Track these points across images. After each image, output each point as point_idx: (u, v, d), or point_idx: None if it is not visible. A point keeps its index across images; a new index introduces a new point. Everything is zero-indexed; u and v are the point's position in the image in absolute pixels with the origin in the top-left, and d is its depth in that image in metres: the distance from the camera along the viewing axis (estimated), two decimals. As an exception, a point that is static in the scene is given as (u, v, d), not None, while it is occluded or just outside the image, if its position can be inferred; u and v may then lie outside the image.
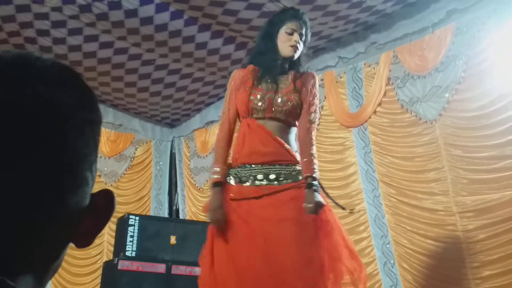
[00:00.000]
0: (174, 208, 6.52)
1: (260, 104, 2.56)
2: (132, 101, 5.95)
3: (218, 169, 2.57)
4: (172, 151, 6.74)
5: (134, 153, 6.41)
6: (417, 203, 4.05)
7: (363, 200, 4.46)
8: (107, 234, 5.73)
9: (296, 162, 2.56)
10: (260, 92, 2.57)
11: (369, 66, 4.61)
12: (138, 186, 6.28)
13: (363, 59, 4.67)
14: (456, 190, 3.82)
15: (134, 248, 4.36)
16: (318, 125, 4.91)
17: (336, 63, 4.89)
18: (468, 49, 3.90)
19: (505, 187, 3.54)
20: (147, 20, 4.46)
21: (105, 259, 5.46)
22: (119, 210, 5.77)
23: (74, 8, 4.29)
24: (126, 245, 4.35)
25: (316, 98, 2.68)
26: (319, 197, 2.43)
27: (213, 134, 6.12)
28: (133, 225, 4.43)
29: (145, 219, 4.71)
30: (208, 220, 2.56)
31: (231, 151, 2.65)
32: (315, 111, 2.65)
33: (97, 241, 5.72)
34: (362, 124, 4.57)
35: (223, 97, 5.81)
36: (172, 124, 6.72)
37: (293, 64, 2.69)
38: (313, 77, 2.72)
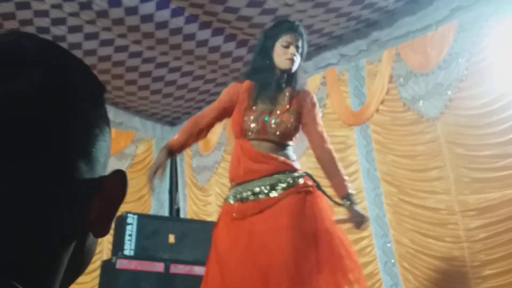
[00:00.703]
0: (175, 207, 6.50)
1: (253, 125, 2.53)
2: (132, 99, 5.93)
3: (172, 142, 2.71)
4: (173, 150, 6.72)
5: (135, 152, 6.39)
6: (419, 202, 4.02)
7: (364, 198, 4.42)
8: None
9: (294, 170, 2.53)
10: (254, 114, 2.55)
11: (371, 63, 4.57)
12: (138, 185, 6.26)
13: (365, 56, 4.63)
14: (458, 189, 3.79)
15: (133, 247, 4.34)
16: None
17: (338, 61, 4.86)
18: (471, 47, 3.86)
19: (507, 186, 3.50)
20: (148, 18, 4.44)
21: (105, 258, 5.44)
22: (120, 208, 5.73)
23: (74, 5, 4.28)
24: (125, 243, 4.32)
25: (319, 115, 2.69)
26: (361, 211, 2.52)
27: (214, 133, 6.10)
28: (132, 224, 4.41)
29: (143, 218, 4.69)
30: None
31: (229, 172, 2.65)
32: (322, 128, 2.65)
33: (97, 239, 5.71)
34: (364, 123, 4.53)
35: (225, 95, 5.87)
36: (173, 122, 6.70)
37: (290, 78, 2.64)
38: (310, 96, 2.68)
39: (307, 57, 5.01)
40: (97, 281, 5.14)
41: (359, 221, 2.45)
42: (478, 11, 3.85)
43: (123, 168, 5.53)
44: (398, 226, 4.14)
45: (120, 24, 4.53)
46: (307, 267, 2.27)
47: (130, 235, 4.37)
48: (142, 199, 6.25)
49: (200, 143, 6.23)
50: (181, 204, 6.43)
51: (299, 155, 4.98)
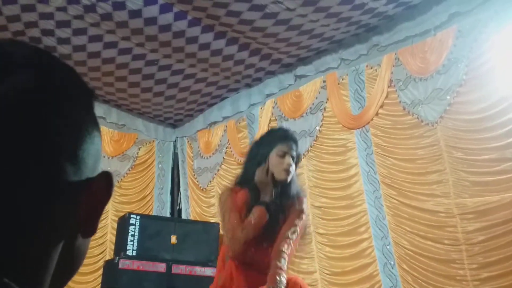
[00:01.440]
0: (177, 208, 6.54)
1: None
2: (135, 101, 5.98)
3: None
4: (175, 151, 6.77)
5: (137, 153, 6.43)
6: (418, 204, 4.06)
7: (364, 201, 4.47)
8: (110, 233, 5.76)
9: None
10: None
11: (371, 68, 4.62)
12: (140, 186, 6.31)
13: (365, 61, 4.68)
14: (457, 192, 3.83)
15: (135, 247, 4.39)
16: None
17: (338, 65, 4.90)
18: (469, 52, 3.90)
19: (506, 189, 3.55)
20: (151, 21, 4.49)
21: (107, 258, 5.48)
22: (122, 209, 5.80)
23: (79, 8, 4.33)
24: (127, 244, 4.38)
25: (299, 221, 2.56)
26: None
27: (216, 135, 6.15)
28: (134, 225, 4.46)
29: (146, 219, 4.74)
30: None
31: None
32: (294, 232, 2.51)
33: (99, 240, 5.76)
34: (364, 126, 4.58)
35: (226, 97, 5.95)
36: (175, 124, 6.75)
37: (284, 188, 2.60)
38: (301, 203, 2.62)
39: (307, 61, 5.13)
40: (99, 280, 5.19)
41: None
42: (476, 17, 3.90)
43: (126, 170, 5.59)
44: (397, 228, 4.19)
45: (124, 27, 4.59)
46: None
47: (132, 236, 4.42)
48: (144, 200, 6.29)
49: (202, 145, 6.29)
50: (183, 205, 6.48)
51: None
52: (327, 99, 4.92)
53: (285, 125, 5.30)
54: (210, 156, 6.19)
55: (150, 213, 6.14)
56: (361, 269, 4.40)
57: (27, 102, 0.48)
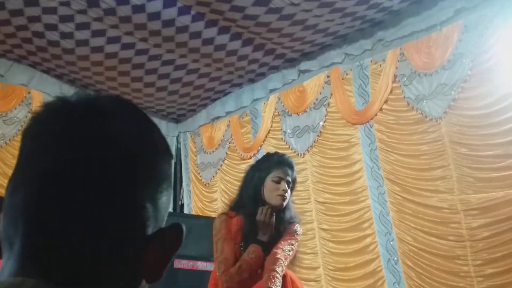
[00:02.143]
0: (179, 203, 6.54)
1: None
2: (138, 96, 5.97)
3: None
4: (178, 146, 6.76)
5: (140, 148, 6.42)
6: (422, 200, 4.06)
7: (368, 197, 4.47)
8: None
9: None
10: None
11: (376, 63, 4.60)
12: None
13: (370, 56, 4.66)
14: (461, 188, 3.82)
15: (138, 242, 4.39)
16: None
17: (342, 60, 4.89)
18: (475, 47, 3.89)
19: (510, 185, 3.54)
20: (155, 16, 4.47)
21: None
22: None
23: (82, 2, 4.32)
24: (130, 239, 4.37)
25: (295, 242, 2.56)
26: None
27: (219, 130, 6.14)
28: (137, 219, 4.45)
29: (149, 213, 4.73)
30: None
31: None
32: (290, 250, 2.50)
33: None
34: (368, 122, 4.57)
35: (229, 92, 5.93)
36: (177, 119, 6.74)
37: (279, 214, 2.57)
38: (294, 227, 2.60)
39: (311, 56, 5.11)
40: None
41: None
42: (482, 12, 3.88)
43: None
44: (401, 224, 4.18)
45: (127, 22, 4.57)
46: None
47: (135, 231, 4.42)
48: (146, 195, 6.28)
49: (204, 140, 6.28)
50: (186, 200, 6.48)
51: (302, 152, 5.04)
52: (331, 94, 4.90)
53: (289, 120, 5.30)
54: (213, 151, 6.18)
55: (153, 208, 6.13)
56: (365, 265, 4.40)
57: (126, 147, 0.53)
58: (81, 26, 4.63)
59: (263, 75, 5.57)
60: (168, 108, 6.38)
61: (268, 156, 2.76)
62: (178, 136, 6.79)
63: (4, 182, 4.80)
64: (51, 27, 4.65)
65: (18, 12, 4.46)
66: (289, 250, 2.49)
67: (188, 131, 6.68)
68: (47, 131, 0.53)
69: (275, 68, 5.43)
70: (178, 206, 6.53)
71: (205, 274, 4.31)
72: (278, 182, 2.54)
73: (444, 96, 4.02)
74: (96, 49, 4.98)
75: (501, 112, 3.68)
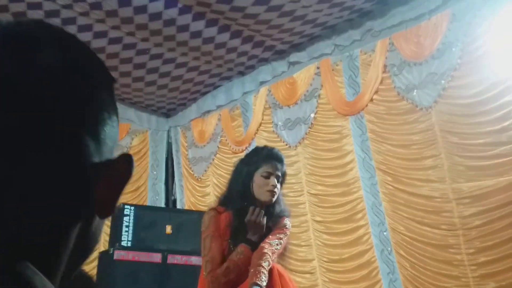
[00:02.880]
0: (172, 198, 6.51)
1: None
2: (127, 91, 5.92)
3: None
4: (169, 141, 6.73)
5: (131, 143, 6.38)
6: (414, 190, 4.05)
7: (360, 188, 4.46)
8: (104, 224, 5.71)
9: None
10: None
11: (365, 53, 4.58)
12: (135, 176, 6.26)
13: (359, 46, 4.64)
14: (452, 177, 3.82)
15: (130, 238, 4.36)
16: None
17: (332, 51, 4.86)
18: (464, 36, 3.88)
19: (501, 173, 3.54)
20: (141, 9, 4.42)
21: (102, 249, 5.46)
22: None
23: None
24: (122, 235, 4.34)
25: (284, 236, 2.51)
26: None
27: (210, 124, 6.11)
28: (129, 215, 4.42)
29: (140, 209, 4.70)
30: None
31: None
32: (278, 244, 2.46)
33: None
34: (359, 112, 4.55)
35: (219, 86, 5.89)
36: (168, 113, 6.70)
37: (268, 209, 2.53)
38: (284, 221, 2.56)
39: (301, 47, 5.08)
40: (94, 272, 5.16)
41: None
42: (470, 0, 3.86)
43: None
44: (393, 214, 4.18)
45: (114, 16, 4.52)
46: None
47: (127, 226, 4.39)
48: (138, 190, 6.26)
49: (195, 134, 6.24)
50: (178, 195, 6.45)
51: (294, 145, 5.03)
52: (322, 86, 4.88)
53: (280, 112, 5.28)
54: (204, 145, 6.15)
55: (145, 204, 6.11)
56: (359, 256, 4.40)
57: (55, 79, 0.48)
58: (67, 21, 4.58)
59: (252, 67, 5.53)
60: (158, 102, 6.34)
61: (257, 150, 2.71)
62: (169, 130, 6.75)
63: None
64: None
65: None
66: (276, 245, 2.44)
67: (179, 126, 6.64)
68: None
69: (265, 61, 5.40)
70: (171, 201, 6.51)
71: (199, 269, 4.28)
72: (268, 177, 2.50)
73: (434, 86, 4.02)
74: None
75: (491, 100, 3.67)
